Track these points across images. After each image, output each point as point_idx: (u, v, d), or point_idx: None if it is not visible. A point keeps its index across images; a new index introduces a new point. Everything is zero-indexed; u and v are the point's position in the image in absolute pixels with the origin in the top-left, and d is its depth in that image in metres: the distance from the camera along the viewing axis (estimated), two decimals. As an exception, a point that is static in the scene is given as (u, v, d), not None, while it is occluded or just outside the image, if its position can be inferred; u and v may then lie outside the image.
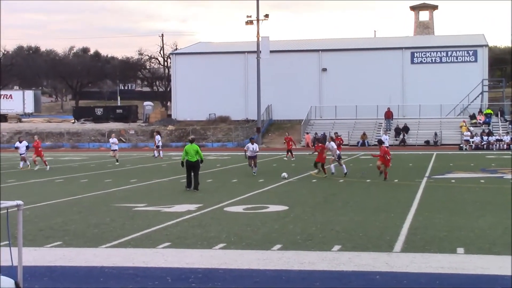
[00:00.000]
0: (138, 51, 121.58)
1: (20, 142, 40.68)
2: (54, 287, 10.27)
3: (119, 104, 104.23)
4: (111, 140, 44.71)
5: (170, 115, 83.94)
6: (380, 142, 30.83)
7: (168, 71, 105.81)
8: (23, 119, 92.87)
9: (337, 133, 47.28)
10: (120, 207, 20.08)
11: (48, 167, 38.01)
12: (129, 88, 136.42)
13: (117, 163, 41.79)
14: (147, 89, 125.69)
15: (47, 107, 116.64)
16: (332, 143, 32.07)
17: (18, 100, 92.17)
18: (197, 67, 78.47)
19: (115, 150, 43.59)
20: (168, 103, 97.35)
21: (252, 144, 32.79)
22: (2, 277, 7.17)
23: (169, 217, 17.68)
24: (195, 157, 24.98)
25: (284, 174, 29.74)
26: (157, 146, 49.76)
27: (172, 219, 17.28)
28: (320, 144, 32.09)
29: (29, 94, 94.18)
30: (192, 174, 24.93)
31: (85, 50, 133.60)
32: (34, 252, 12.73)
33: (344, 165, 31.14)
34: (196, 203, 20.74)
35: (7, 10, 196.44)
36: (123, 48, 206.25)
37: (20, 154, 39.51)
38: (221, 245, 13.56)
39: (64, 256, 12.73)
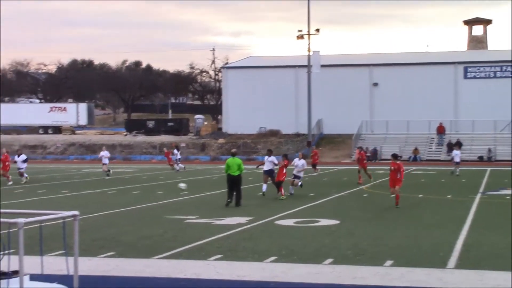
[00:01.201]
0: (190, 64, 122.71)
1: (19, 155, 39.17)
2: (108, 297, 10.37)
3: (170, 117, 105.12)
4: (101, 153, 43.81)
5: (220, 128, 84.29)
6: (395, 156, 24.50)
7: (219, 84, 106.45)
8: (76, 131, 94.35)
9: (361, 147, 43.60)
10: (172, 219, 20.22)
11: (10, 182, 35.94)
12: (181, 101, 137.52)
13: (108, 178, 40.82)
14: (198, 102, 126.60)
15: (100, 119, 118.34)
16: (302, 160, 29.02)
17: (72, 113, 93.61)
18: (248, 80, 78.74)
19: (105, 163, 42.74)
20: (219, 117, 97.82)
21: (269, 156, 28.35)
22: (58, 285, 7.27)
23: (220, 230, 17.73)
24: (237, 171, 24.22)
25: (181, 185, 29.02)
26: (177, 159, 50.35)
27: (223, 232, 17.33)
28: (286, 161, 28.10)
29: (83, 106, 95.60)
30: (234, 189, 24.14)
31: (137, 64, 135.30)
32: (88, 262, 12.88)
33: (292, 187, 28.38)
34: (247, 216, 20.76)
35: (62, 23, 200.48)
36: (174, 62, 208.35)
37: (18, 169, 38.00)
38: (272, 258, 13.54)
39: (117, 267, 12.87)
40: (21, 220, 6.73)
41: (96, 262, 13.21)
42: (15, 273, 7.00)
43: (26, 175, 37.85)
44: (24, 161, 38.46)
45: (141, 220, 20.17)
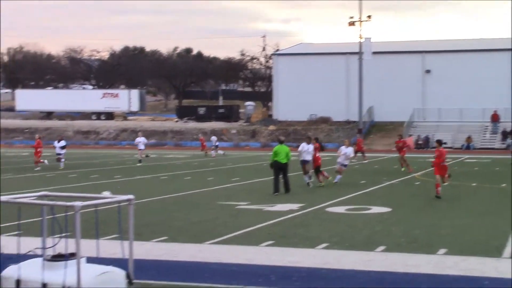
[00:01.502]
0: (240, 51, 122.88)
1: (59, 141, 39.18)
2: (161, 281, 10.46)
3: (221, 104, 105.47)
4: (137, 139, 43.83)
5: (271, 115, 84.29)
6: (439, 142, 23.13)
7: (270, 71, 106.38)
8: (128, 117, 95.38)
9: (400, 135, 42.31)
10: (223, 205, 20.31)
11: (38, 168, 36.41)
12: (231, 88, 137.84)
13: (139, 164, 40.80)
14: (248, 89, 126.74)
15: (151, 106, 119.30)
16: (350, 148, 28.20)
17: (124, 99, 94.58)
18: (299, 68, 78.50)
19: (141, 149, 42.86)
20: (269, 103, 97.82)
21: (308, 144, 26.68)
22: (114, 268, 7.36)
23: (272, 216, 17.75)
24: (285, 158, 23.94)
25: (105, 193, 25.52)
26: (215, 146, 51.06)
27: (274, 218, 17.34)
28: (316, 143, 27.52)
29: (135, 93, 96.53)
30: (281, 176, 23.85)
31: (188, 51, 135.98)
32: (141, 246, 13.00)
33: (339, 176, 27.56)
34: (298, 202, 20.74)
35: (115, 11, 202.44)
36: (225, 49, 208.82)
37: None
38: (324, 245, 13.50)
39: (170, 251, 12.98)
40: (78, 203, 6.82)
41: (149, 246, 13.34)
42: (72, 256, 7.11)
43: (64, 160, 37.97)
44: (63, 147, 38.45)
45: (193, 205, 20.31)
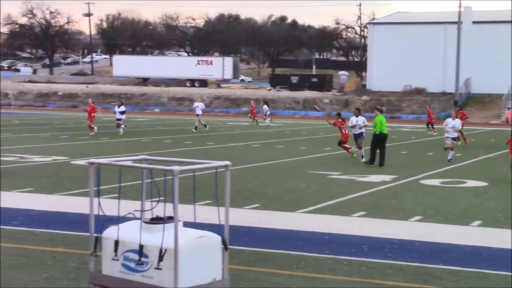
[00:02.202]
0: (335, 20, 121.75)
1: (119, 106, 38.05)
2: (254, 248, 10.57)
3: (314, 73, 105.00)
4: (196, 104, 42.59)
5: (364, 85, 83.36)
6: None
7: (365, 41, 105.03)
8: (222, 85, 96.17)
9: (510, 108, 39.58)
10: (315, 174, 20.29)
11: (92, 133, 35.87)
12: (324, 57, 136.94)
13: (206, 128, 40.69)
14: (342, 58, 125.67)
15: (244, 73, 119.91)
16: (457, 120, 25.78)
17: (218, 67, 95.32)
18: (394, 37, 77.16)
19: (199, 114, 41.47)
20: (363, 73, 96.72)
21: (357, 116, 25.18)
22: (210, 233, 7.46)
23: (364, 187, 17.64)
24: (385, 129, 23.35)
25: None
26: (266, 114, 51.04)
27: (366, 189, 17.22)
28: (340, 119, 26.33)
29: (228, 60, 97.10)
30: (379, 148, 23.14)
31: (283, 19, 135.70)
32: (234, 212, 13.14)
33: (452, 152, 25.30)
34: (391, 174, 20.51)
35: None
36: (320, 17, 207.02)
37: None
38: (417, 217, 13.33)
39: (262, 219, 13.08)
40: (176, 168, 6.92)
41: (241, 213, 13.47)
42: (169, 219, 7.24)
43: (124, 126, 37.22)
44: (122, 112, 37.42)
45: (285, 174, 20.37)
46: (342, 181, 18.88)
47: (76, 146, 28.57)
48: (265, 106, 52.62)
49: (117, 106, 38.14)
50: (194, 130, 39.85)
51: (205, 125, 41.27)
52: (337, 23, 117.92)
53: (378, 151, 23.26)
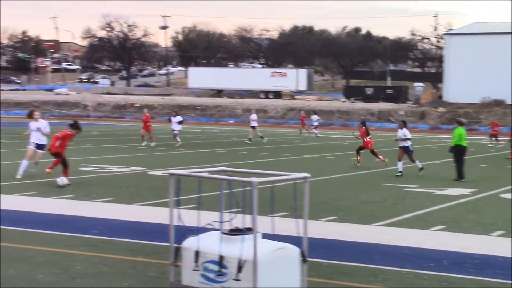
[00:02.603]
0: (410, 31, 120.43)
1: (174, 116, 37.32)
2: (331, 260, 10.49)
3: (389, 84, 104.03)
4: (251, 116, 41.75)
5: (441, 97, 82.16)
6: None
7: (441, 51, 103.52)
8: (296, 96, 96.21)
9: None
10: (391, 187, 20.06)
11: (153, 143, 35.06)
12: (400, 68, 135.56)
13: (264, 140, 39.92)
14: (417, 69, 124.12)
15: (318, 85, 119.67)
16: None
17: (292, 78, 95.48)
18: (472, 48, 75.85)
19: (255, 127, 40.70)
20: (439, 85, 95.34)
21: (402, 128, 24.51)
22: (289, 245, 7.45)
23: (442, 200, 17.33)
24: (465, 142, 22.84)
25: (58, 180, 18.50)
26: (314, 126, 50.41)
27: (445, 202, 16.92)
28: (363, 128, 27.56)
29: (303, 72, 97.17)
30: (456, 161, 22.56)
31: (357, 30, 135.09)
32: (310, 224, 13.01)
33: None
34: (470, 187, 20.10)
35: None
36: (395, 28, 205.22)
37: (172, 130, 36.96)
38: (499, 232, 13.02)
39: (339, 231, 12.99)
40: (255, 179, 6.95)
41: (318, 225, 13.41)
42: (248, 230, 7.26)
43: (179, 139, 35.98)
44: (179, 122, 36.74)
45: (360, 186, 20.21)
46: (420, 194, 18.60)
47: (153, 157, 29.01)
48: (314, 117, 51.75)
49: (172, 116, 37.48)
50: (248, 142, 39.49)
51: (262, 137, 40.78)
52: (413, 34, 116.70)
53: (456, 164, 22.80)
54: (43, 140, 20.71)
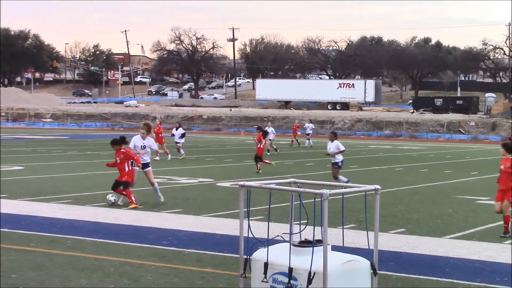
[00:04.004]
0: (482, 41, 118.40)
1: (177, 128, 35.27)
2: (401, 273, 10.35)
3: (459, 95, 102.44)
4: (268, 129, 39.72)
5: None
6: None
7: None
8: (363, 108, 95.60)
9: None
10: (462, 199, 19.70)
11: (169, 156, 32.64)
12: (470, 79, 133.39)
13: (276, 152, 38.90)
14: (489, 80, 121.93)
15: (386, 96, 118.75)
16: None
17: (360, 89, 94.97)
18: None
19: (270, 140, 38.91)
20: None
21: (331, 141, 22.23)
22: (359, 257, 7.38)
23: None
24: None
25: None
26: (307, 134, 48.50)
27: (518, 215, 16.48)
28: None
29: (370, 83, 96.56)
30: None
31: (426, 41, 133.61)
32: (380, 237, 12.96)
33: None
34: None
35: (353, 2, 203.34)
36: (465, 38, 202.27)
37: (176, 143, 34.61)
38: None
39: (408, 243, 12.81)
40: (326, 191, 6.91)
41: (387, 237, 13.24)
42: (318, 242, 7.23)
43: (183, 152, 33.90)
44: (182, 135, 34.71)
45: (430, 198, 19.89)
46: (492, 206, 18.14)
47: (221, 169, 29.19)
48: (308, 125, 49.35)
49: (175, 129, 35.27)
50: (267, 153, 37.41)
51: (276, 149, 39.67)
52: (484, 44, 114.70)
53: None
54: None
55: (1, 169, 25.82)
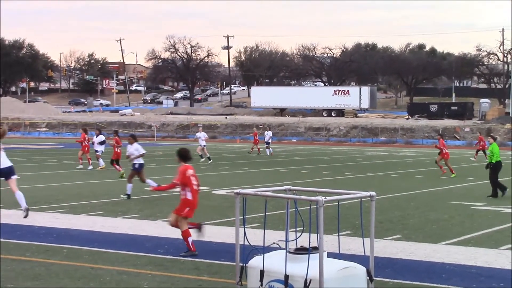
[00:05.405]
0: (476, 47, 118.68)
1: (97, 135, 32.69)
2: (397, 279, 10.36)
3: (454, 101, 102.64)
4: (198, 134, 39.59)
5: (508, 113, 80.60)
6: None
7: (508, 67, 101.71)
8: (359, 114, 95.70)
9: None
10: (458, 205, 19.73)
11: (90, 166, 31.82)
12: (465, 84, 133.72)
13: (202, 160, 37.53)
14: (483, 85, 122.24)
15: (381, 103, 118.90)
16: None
17: (355, 96, 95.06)
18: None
19: (202, 145, 38.28)
20: (507, 101, 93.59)
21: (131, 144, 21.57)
22: (355, 264, 7.40)
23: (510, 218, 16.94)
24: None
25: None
26: (267, 143, 45.96)
27: (514, 220, 16.54)
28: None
29: (365, 90, 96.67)
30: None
31: (421, 47, 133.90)
32: (376, 243, 12.95)
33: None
34: (540, 205, 19.60)
35: (350, 7, 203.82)
36: (460, 44, 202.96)
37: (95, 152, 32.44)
38: None
39: (404, 249, 12.83)
40: (321, 198, 6.93)
41: (383, 244, 13.26)
42: (314, 249, 7.24)
43: (103, 163, 31.81)
44: (101, 143, 32.33)
45: (426, 204, 19.93)
46: (487, 212, 18.24)
47: (216, 176, 29.19)
48: (267, 132, 47.19)
49: (95, 136, 32.71)
50: (201, 160, 37.30)
51: (209, 158, 37.60)
52: (479, 50, 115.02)
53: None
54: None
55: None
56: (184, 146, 13.89)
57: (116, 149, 29.24)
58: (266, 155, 44.95)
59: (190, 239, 11.85)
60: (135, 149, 21.17)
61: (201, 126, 54.35)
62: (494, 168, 22.11)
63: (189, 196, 12.16)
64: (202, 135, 39.08)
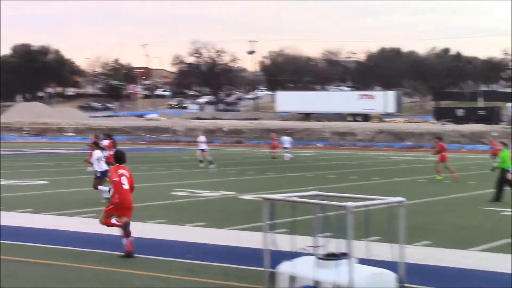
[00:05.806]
0: (503, 50, 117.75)
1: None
2: (426, 286, 10.30)
3: (480, 105, 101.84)
4: (199, 138, 39.05)
5: (535, 117, 79.84)
6: None
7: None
8: (384, 119, 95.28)
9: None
10: (487, 210, 19.57)
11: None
12: (492, 88, 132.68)
13: (201, 165, 37.03)
14: (510, 89, 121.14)
15: (407, 107, 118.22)
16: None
17: (380, 100, 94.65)
18: None
19: (203, 150, 37.93)
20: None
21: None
22: (385, 270, 7.38)
23: (541, 224, 16.77)
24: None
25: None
26: (285, 148, 45.86)
27: (544, 227, 16.35)
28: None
29: (391, 94, 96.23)
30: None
31: (446, 51, 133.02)
32: (405, 249, 12.91)
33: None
34: None
35: (373, 11, 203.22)
36: (486, 48, 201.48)
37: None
38: None
39: (433, 255, 12.75)
40: (350, 204, 6.93)
41: (412, 250, 13.16)
42: (343, 255, 7.23)
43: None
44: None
45: (454, 210, 19.82)
46: (517, 218, 18.06)
47: (243, 181, 29.23)
48: (286, 138, 46.69)
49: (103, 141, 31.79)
50: (201, 165, 37.04)
51: (210, 162, 36.91)
52: (505, 54, 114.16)
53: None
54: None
55: (25, 183, 26.07)
56: (121, 149, 14.29)
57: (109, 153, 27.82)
58: (284, 160, 44.52)
59: (113, 221, 12.57)
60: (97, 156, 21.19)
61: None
62: (503, 174, 21.72)
63: (116, 195, 12.71)
64: (201, 138, 38.63)
